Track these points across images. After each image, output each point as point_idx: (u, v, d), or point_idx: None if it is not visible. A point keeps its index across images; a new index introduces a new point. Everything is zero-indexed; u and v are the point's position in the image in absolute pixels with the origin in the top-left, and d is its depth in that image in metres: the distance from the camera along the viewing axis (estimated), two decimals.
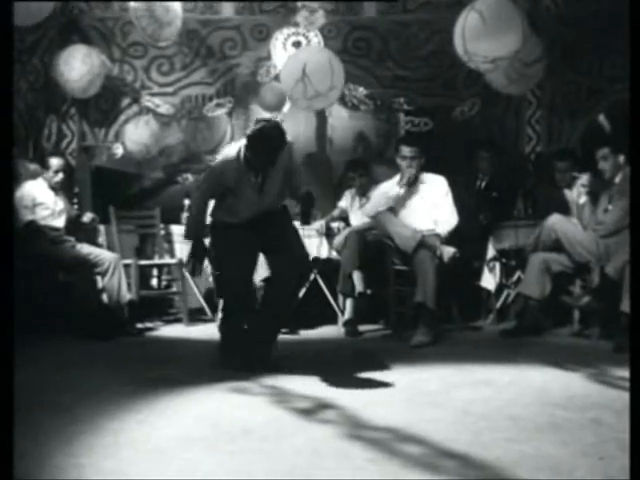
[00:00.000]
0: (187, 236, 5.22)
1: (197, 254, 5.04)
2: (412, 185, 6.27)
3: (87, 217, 6.79)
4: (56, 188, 6.64)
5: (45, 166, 6.66)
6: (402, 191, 6.26)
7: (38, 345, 5.56)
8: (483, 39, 6.47)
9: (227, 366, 4.78)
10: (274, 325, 5.03)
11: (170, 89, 8.23)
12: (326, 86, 6.99)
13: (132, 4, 7.08)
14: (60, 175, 6.63)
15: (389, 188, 6.36)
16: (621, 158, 5.88)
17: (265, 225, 4.90)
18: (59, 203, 6.64)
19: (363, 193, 6.93)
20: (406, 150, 6.31)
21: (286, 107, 7.87)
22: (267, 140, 4.62)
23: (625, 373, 4.37)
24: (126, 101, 8.20)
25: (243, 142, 4.76)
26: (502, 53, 6.50)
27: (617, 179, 5.93)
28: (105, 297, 6.55)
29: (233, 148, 4.90)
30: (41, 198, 6.54)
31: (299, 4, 7.81)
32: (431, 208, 6.27)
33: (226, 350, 4.98)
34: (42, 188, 6.59)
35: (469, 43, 6.56)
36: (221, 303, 5.53)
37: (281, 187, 4.94)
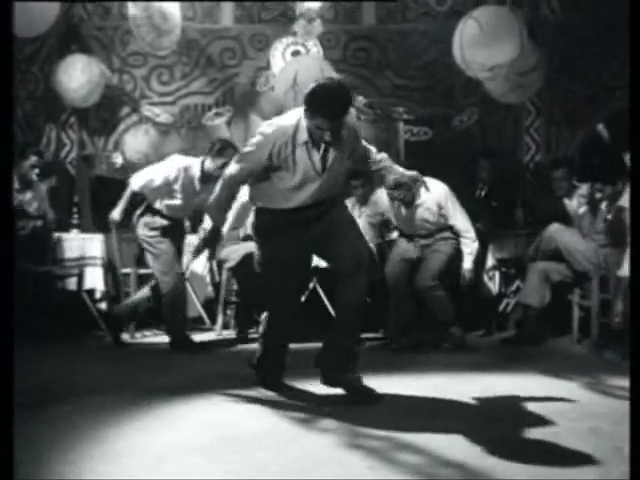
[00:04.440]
0: (214, 220, 4.42)
1: (211, 242, 4.54)
2: (410, 205, 6.20)
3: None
4: None
5: None
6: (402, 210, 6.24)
7: (36, 352, 5.56)
8: (481, 47, 6.52)
9: (264, 384, 4.38)
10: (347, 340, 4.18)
11: (169, 98, 8.26)
12: None
13: (131, 13, 7.10)
14: None
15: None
16: (619, 185, 5.78)
17: (320, 216, 4.12)
18: None
19: (364, 202, 6.92)
20: None
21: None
22: (330, 99, 3.80)
23: (624, 382, 4.37)
24: (125, 110, 8.23)
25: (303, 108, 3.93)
26: (499, 61, 6.54)
27: (623, 201, 5.77)
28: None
29: (291, 115, 4.05)
30: None
31: (297, 13, 7.84)
32: (430, 214, 6.19)
33: (264, 367, 4.42)
34: None
35: (467, 51, 6.61)
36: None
37: (344, 170, 4.24)
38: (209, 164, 5.91)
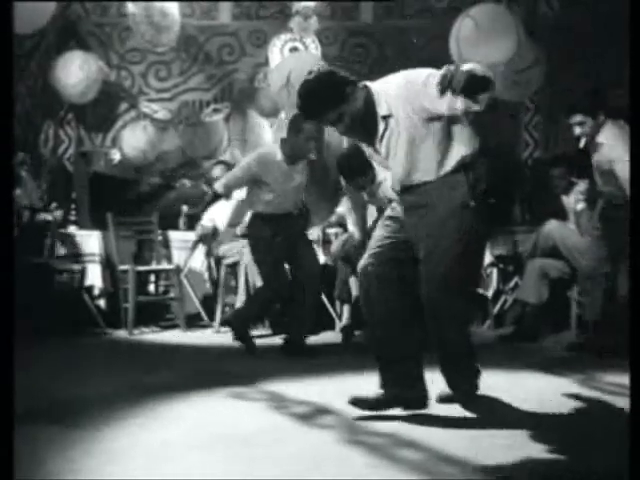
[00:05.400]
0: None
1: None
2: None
3: None
4: None
5: None
6: None
7: (33, 350, 5.56)
8: (477, 45, 6.53)
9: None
10: None
11: (167, 95, 8.26)
12: None
13: (130, 10, 7.11)
14: None
15: None
16: (600, 118, 5.47)
17: (418, 207, 3.63)
18: None
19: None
20: None
21: (283, 113, 7.89)
22: (298, 100, 3.64)
23: (620, 379, 4.38)
24: (123, 107, 8.24)
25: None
26: (496, 59, 6.54)
27: (601, 138, 5.62)
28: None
29: None
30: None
31: (293, 10, 7.84)
32: None
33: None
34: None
35: (464, 50, 6.62)
36: None
37: (409, 149, 3.55)
38: (290, 143, 5.62)
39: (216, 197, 5.97)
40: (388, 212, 3.81)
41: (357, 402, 3.63)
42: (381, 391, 3.64)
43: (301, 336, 5.73)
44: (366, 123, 3.62)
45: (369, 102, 3.59)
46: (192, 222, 7.51)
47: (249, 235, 5.91)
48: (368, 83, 3.66)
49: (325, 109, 3.59)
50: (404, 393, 3.62)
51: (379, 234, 3.73)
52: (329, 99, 3.57)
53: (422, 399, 3.67)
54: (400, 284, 3.61)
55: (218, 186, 5.83)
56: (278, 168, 5.66)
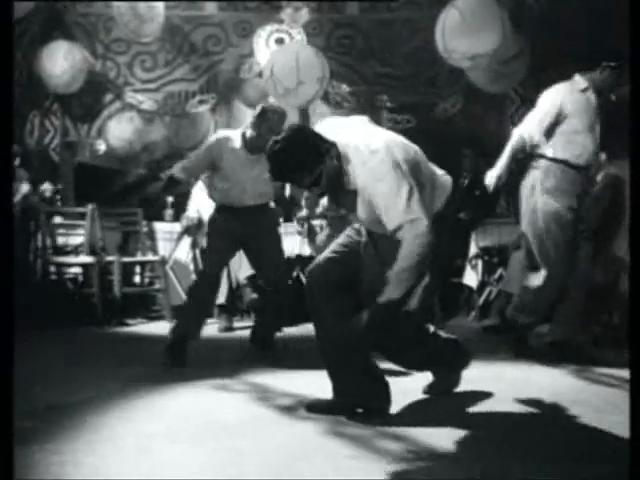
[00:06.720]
0: None
1: None
2: None
3: None
4: None
5: None
6: None
7: (18, 342, 5.53)
8: (462, 36, 6.54)
9: None
10: None
11: (153, 85, 8.24)
12: (293, 82, 7.02)
13: (115, 1, 7.09)
14: None
15: None
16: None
17: None
18: None
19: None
20: None
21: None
22: None
23: (607, 370, 4.41)
24: (109, 97, 8.21)
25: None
26: (481, 50, 6.56)
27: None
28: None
29: None
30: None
31: (283, 2, 7.84)
32: None
33: None
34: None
35: (449, 40, 6.63)
36: None
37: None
38: (251, 132, 5.16)
39: (173, 182, 5.32)
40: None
41: (312, 407, 3.60)
42: (335, 398, 3.58)
43: (267, 329, 5.52)
44: (341, 187, 3.30)
45: (340, 166, 3.23)
46: (177, 213, 7.50)
47: (208, 224, 5.50)
48: (337, 142, 3.26)
49: (302, 173, 3.20)
50: (358, 401, 3.54)
51: (338, 240, 3.67)
52: (306, 161, 3.17)
53: (378, 405, 3.55)
54: (346, 292, 3.50)
55: (176, 170, 5.29)
56: (235, 156, 5.22)
